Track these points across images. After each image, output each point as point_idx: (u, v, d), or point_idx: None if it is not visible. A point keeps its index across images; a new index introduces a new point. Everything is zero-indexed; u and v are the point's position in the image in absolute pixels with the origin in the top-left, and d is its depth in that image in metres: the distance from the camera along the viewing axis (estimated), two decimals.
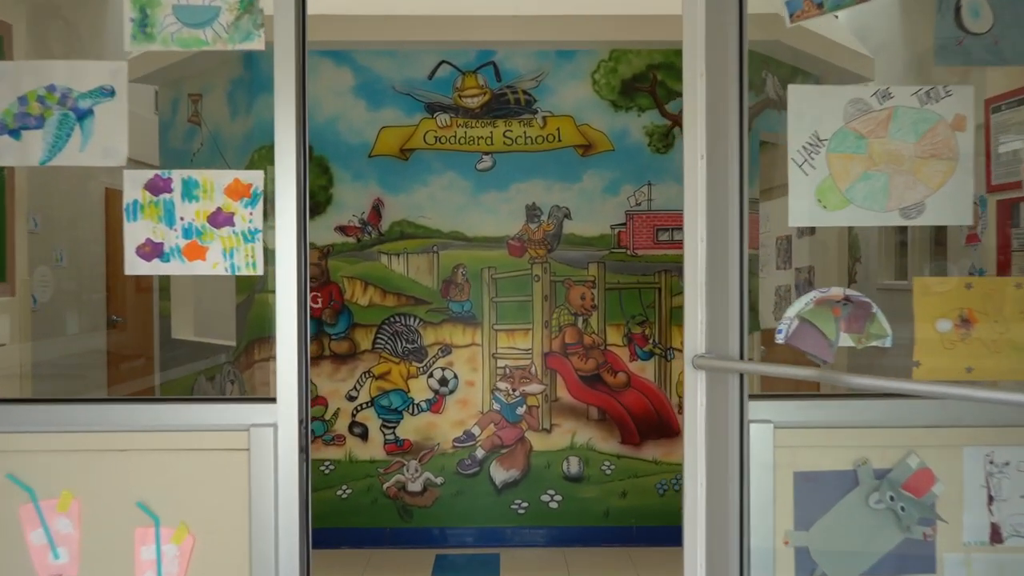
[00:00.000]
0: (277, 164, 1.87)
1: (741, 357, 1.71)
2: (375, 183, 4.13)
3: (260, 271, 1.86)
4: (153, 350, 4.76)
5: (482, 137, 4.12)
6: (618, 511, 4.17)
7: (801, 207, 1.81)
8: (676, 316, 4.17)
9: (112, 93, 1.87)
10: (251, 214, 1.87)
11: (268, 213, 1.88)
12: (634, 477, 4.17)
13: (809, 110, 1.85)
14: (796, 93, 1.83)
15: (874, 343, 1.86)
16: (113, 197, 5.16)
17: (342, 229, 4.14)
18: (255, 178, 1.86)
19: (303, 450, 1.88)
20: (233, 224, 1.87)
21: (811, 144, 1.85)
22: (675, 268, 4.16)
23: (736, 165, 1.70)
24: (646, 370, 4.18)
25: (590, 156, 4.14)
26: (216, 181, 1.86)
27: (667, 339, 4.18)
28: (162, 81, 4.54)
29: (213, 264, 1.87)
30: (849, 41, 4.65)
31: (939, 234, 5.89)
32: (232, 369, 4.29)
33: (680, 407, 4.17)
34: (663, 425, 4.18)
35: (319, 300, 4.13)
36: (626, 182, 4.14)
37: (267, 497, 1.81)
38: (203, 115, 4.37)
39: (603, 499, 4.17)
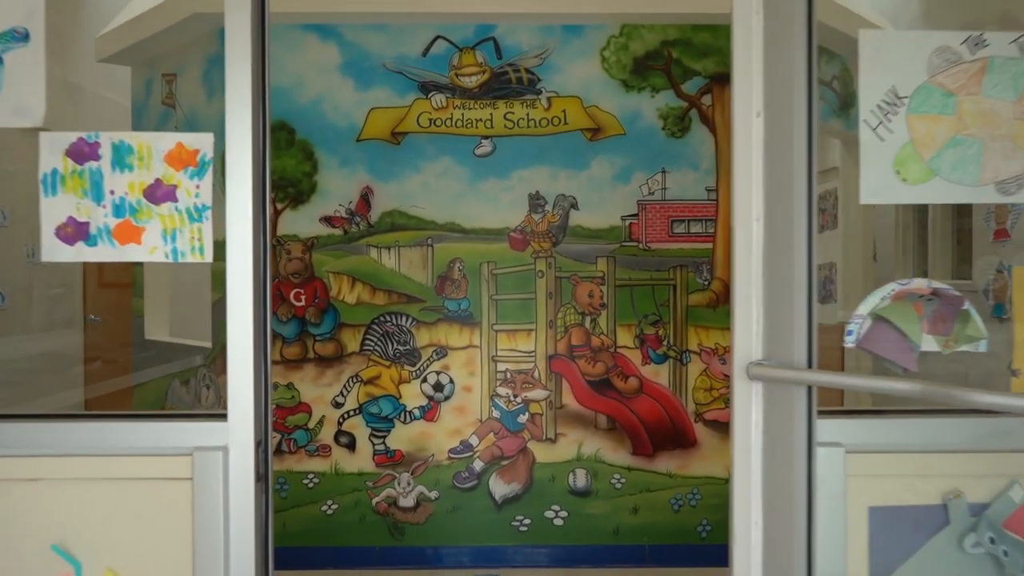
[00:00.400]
0: (228, 130, 1.53)
1: (809, 365, 1.36)
2: (364, 170, 3.84)
3: (208, 257, 1.52)
4: (126, 352, 4.43)
5: (481, 120, 3.83)
6: (629, 528, 3.89)
7: (876, 180, 1.48)
8: (692, 315, 3.87)
9: (26, 37, 1.52)
10: (198, 187, 1.52)
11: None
12: (647, 491, 3.89)
13: (885, 61, 1.51)
14: (869, 39, 1.50)
15: (965, 348, 1.52)
16: None
17: (327, 220, 3.84)
18: (202, 142, 1.52)
19: (261, 478, 1.53)
20: (175, 199, 1.52)
21: (887, 103, 1.51)
22: (691, 263, 3.86)
23: (803, 123, 1.35)
24: (660, 375, 3.89)
25: (599, 141, 3.85)
26: (155, 146, 1.52)
27: (683, 341, 3.87)
28: (134, 60, 4.23)
29: (150, 249, 1.52)
30: (878, 20, 4.33)
31: (961, 231, 5.59)
32: (208, 373, 3.97)
33: (697, 415, 3.86)
34: (678, 435, 3.88)
35: (302, 298, 3.82)
36: (638, 169, 3.86)
37: (215, 537, 1.47)
38: (178, 96, 4.06)
39: (612, 515, 3.89)
